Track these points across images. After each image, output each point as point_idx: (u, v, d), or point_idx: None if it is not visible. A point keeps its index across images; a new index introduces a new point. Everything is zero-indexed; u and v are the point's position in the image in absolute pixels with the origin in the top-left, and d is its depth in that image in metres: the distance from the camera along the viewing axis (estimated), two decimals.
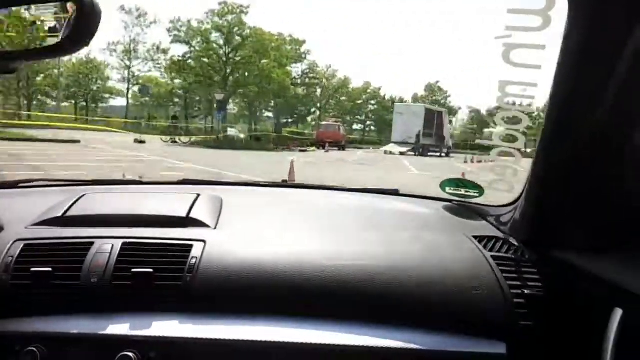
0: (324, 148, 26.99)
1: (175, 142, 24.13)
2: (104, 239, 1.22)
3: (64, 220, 1.34)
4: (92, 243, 1.21)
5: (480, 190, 1.63)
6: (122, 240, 1.22)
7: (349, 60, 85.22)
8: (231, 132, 29.72)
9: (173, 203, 1.46)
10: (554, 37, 1.10)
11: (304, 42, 42.39)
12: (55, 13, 0.96)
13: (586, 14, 0.98)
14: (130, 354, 1.04)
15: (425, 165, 19.67)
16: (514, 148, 1.39)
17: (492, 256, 1.26)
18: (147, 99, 39.44)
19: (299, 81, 45.15)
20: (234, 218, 1.43)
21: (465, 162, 22.92)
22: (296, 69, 44.45)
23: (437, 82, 55.17)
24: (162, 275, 1.14)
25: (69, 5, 0.90)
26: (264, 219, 1.48)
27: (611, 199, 1.13)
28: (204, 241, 1.24)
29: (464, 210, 1.65)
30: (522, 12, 1.18)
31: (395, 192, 1.87)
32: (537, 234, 1.28)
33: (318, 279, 1.16)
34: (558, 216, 1.21)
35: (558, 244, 1.22)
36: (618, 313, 0.94)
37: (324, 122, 35.67)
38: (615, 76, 0.99)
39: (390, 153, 28.74)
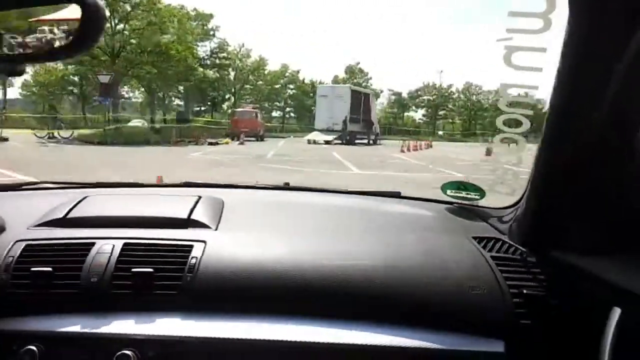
0: (239, 139, 23.18)
1: (54, 137, 20.14)
2: (105, 239, 1.23)
3: (66, 222, 1.35)
4: (93, 243, 1.22)
5: (481, 192, 1.61)
6: (122, 241, 1.23)
7: (263, 39, 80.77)
8: (136, 123, 26.62)
9: (174, 205, 1.46)
10: (554, 39, 1.12)
11: (211, 16, 37.67)
12: (61, 16, 0.99)
13: (586, 16, 0.98)
14: (129, 353, 1.04)
15: (361, 157, 16.51)
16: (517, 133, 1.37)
17: (491, 257, 1.26)
18: (37, 88, 33.59)
19: (208, 62, 40.36)
20: (235, 219, 1.44)
21: (403, 150, 20.20)
22: (204, 48, 39.71)
23: (358, 63, 54.90)
24: (162, 275, 1.15)
25: (74, 8, 0.91)
26: (265, 220, 1.50)
27: (611, 200, 1.14)
28: (204, 242, 1.25)
29: (464, 212, 1.63)
30: (523, 15, 1.19)
31: (396, 195, 1.84)
32: (538, 235, 1.28)
33: (318, 279, 1.16)
34: (559, 217, 1.21)
35: (558, 245, 1.21)
36: (616, 313, 0.96)
37: (239, 109, 31.41)
38: (615, 78, 1.00)
39: (314, 142, 25.67)
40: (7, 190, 1.73)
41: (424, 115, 62.07)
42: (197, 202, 1.46)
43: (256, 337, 1.06)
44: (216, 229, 1.35)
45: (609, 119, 1.03)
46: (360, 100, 29.28)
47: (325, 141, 25.26)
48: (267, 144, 24.48)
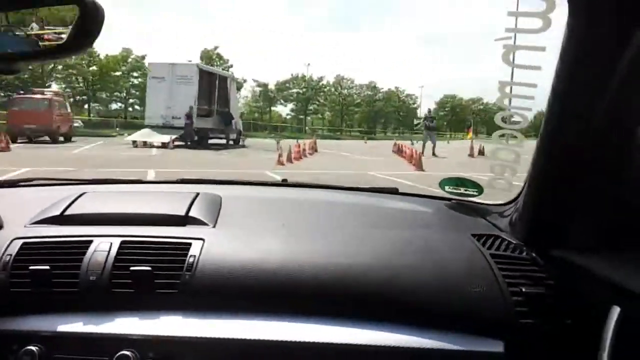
0: (17, 139, 14.15)
1: None
2: (103, 237, 1.23)
3: (63, 219, 1.35)
4: (91, 241, 1.21)
5: (479, 188, 1.55)
6: (120, 239, 1.22)
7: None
8: None
9: (172, 202, 1.45)
10: (553, 39, 1.13)
11: None
12: (59, 15, 0.98)
13: (586, 16, 0.99)
14: (129, 353, 1.04)
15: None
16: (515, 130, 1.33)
17: (490, 254, 1.25)
18: None
19: None
20: (233, 216, 1.43)
21: (282, 162, 12.72)
22: None
23: (216, 47, 47.36)
24: (161, 273, 1.14)
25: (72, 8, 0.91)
26: (263, 217, 1.49)
27: (610, 197, 1.14)
28: (202, 239, 1.24)
29: (463, 208, 1.60)
30: (522, 15, 1.20)
31: (394, 191, 1.81)
32: (536, 232, 1.27)
33: (317, 277, 1.16)
34: (557, 214, 1.21)
35: (557, 243, 1.21)
36: (616, 311, 0.96)
37: (20, 96, 20.96)
38: (614, 77, 1.01)
39: (144, 145, 17.36)
40: (3, 187, 1.70)
41: (292, 110, 56.99)
42: (194, 199, 1.44)
43: (255, 336, 1.07)
44: (214, 227, 1.33)
45: (608, 117, 1.04)
46: (214, 86, 21.26)
47: (161, 143, 17.14)
48: (66, 149, 15.67)
